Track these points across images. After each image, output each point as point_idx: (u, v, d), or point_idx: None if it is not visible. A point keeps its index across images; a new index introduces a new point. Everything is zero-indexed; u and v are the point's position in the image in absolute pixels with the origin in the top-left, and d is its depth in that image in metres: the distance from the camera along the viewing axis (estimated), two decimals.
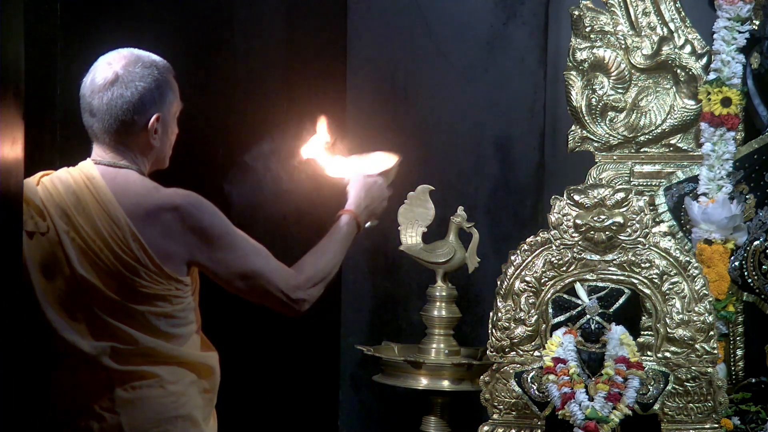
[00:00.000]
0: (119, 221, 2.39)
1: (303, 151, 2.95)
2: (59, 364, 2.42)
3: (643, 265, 3.40)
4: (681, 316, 3.38)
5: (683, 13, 4.07)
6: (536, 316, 3.43)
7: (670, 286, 3.39)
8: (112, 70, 2.47)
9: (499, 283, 3.47)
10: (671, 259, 3.40)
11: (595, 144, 4.06)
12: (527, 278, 3.44)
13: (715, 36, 3.92)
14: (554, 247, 3.44)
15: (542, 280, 3.44)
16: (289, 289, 2.52)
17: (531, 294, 3.44)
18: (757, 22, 3.93)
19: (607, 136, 4.05)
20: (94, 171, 2.47)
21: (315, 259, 2.62)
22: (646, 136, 4.05)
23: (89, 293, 2.40)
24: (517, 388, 3.39)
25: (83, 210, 2.41)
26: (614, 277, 3.42)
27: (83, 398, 2.42)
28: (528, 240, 3.46)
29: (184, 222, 2.41)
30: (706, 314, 3.38)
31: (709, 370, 3.39)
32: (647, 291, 3.40)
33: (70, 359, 2.41)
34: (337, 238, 2.71)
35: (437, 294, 3.96)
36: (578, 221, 3.40)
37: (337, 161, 2.96)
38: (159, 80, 2.49)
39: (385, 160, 2.99)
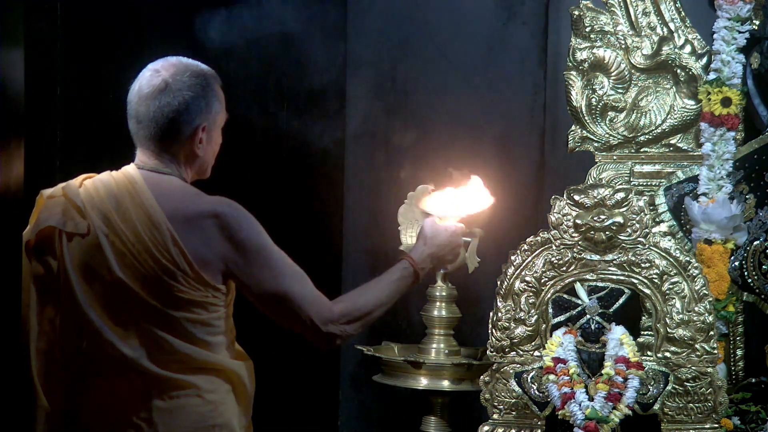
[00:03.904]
0: (160, 226, 2.38)
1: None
2: (98, 369, 2.41)
3: (643, 265, 3.40)
4: (681, 316, 3.38)
5: (683, 13, 4.07)
6: (536, 316, 3.43)
7: (670, 286, 3.39)
8: (161, 78, 2.46)
9: (499, 283, 3.47)
10: (671, 259, 3.40)
11: (595, 144, 4.06)
12: (527, 278, 3.44)
13: (715, 36, 3.92)
14: (554, 247, 3.44)
15: (542, 280, 3.44)
16: (320, 320, 2.49)
17: (531, 294, 3.44)
18: (757, 22, 3.93)
19: (607, 136, 4.05)
20: (137, 175, 2.47)
21: (357, 296, 2.58)
22: (646, 136, 4.05)
23: (127, 297, 2.39)
24: (517, 388, 3.39)
25: (123, 214, 2.41)
26: (614, 277, 3.41)
27: (121, 408, 2.41)
28: (528, 240, 3.46)
29: (223, 231, 2.41)
30: (706, 314, 3.38)
31: (709, 370, 3.39)
32: (647, 291, 3.40)
33: (109, 363, 2.39)
34: (389, 280, 2.64)
35: (437, 294, 3.96)
36: (578, 221, 3.40)
37: (435, 198, 2.94)
38: (206, 90, 2.50)
39: (478, 202, 2.93)
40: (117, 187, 2.45)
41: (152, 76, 2.48)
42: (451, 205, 2.94)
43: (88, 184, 2.49)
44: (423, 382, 3.84)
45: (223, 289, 2.45)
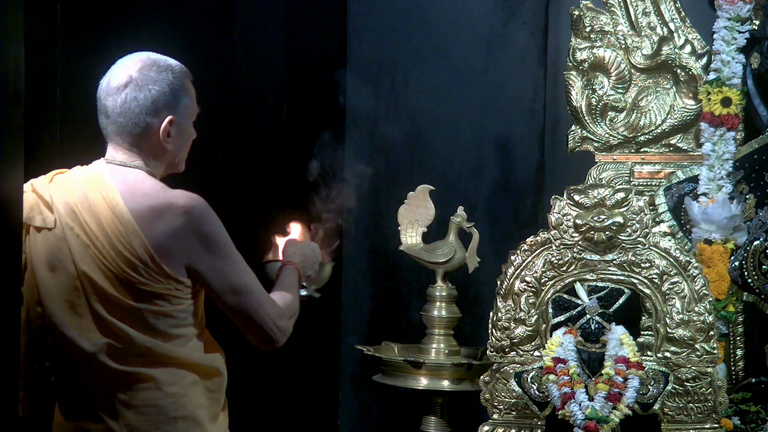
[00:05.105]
0: (123, 218, 2.41)
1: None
2: (62, 365, 2.43)
3: (643, 265, 3.40)
4: (681, 316, 3.38)
5: (683, 13, 4.07)
6: (536, 316, 3.43)
7: (670, 286, 3.39)
8: (127, 73, 2.49)
9: (499, 283, 3.47)
10: (671, 259, 3.40)
11: (595, 144, 4.06)
12: (527, 278, 3.44)
13: (715, 36, 3.92)
14: (554, 247, 3.44)
15: (542, 280, 3.44)
16: (276, 315, 2.56)
17: (531, 294, 3.44)
18: (757, 22, 3.93)
19: (607, 136, 4.05)
20: (105, 170, 2.51)
21: (285, 295, 2.66)
22: (646, 136, 4.05)
23: (90, 290, 2.41)
24: (517, 388, 3.39)
25: (90, 207, 2.44)
26: (614, 277, 3.42)
27: (83, 400, 2.43)
28: (528, 240, 3.46)
29: (188, 224, 2.43)
30: (706, 314, 3.38)
31: (709, 370, 3.39)
32: (647, 291, 3.40)
33: (71, 359, 2.42)
34: (291, 282, 2.73)
35: (437, 294, 3.97)
36: (578, 221, 3.40)
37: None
38: (173, 84, 2.51)
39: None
40: (84, 181, 2.49)
41: (119, 71, 2.51)
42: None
43: (59, 179, 2.53)
44: (423, 382, 3.84)
45: (187, 282, 2.47)
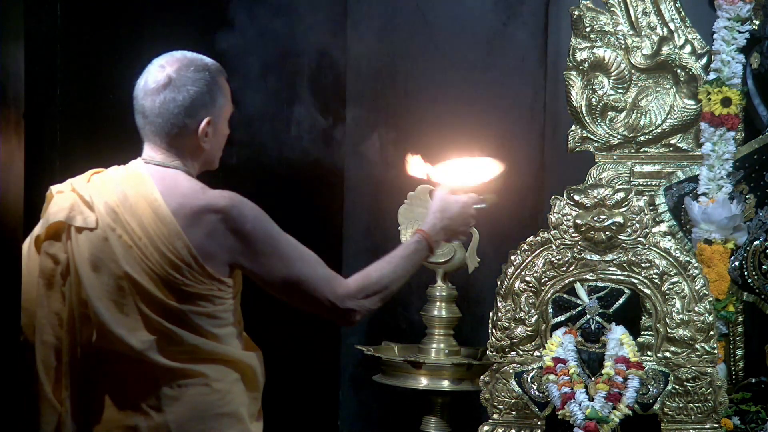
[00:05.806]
0: (165, 220, 2.41)
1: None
2: (107, 361, 2.43)
3: (643, 265, 3.40)
4: (681, 316, 3.38)
5: (683, 13, 4.07)
6: (536, 316, 3.43)
7: (670, 286, 3.39)
8: (165, 74, 2.49)
9: (499, 283, 3.47)
10: (671, 259, 3.40)
11: (595, 144, 4.06)
12: (527, 278, 3.44)
13: (715, 36, 3.92)
14: (554, 247, 3.44)
15: (542, 280, 3.44)
16: (337, 298, 2.52)
17: (531, 294, 3.44)
18: (757, 22, 3.93)
19: (607, 136, 4.05)
20: (144, 170, 2.50)
21: (372, 271, 2.61)
22: (646, 136, 4.05)
23: (134, 290, 2.42)
24: (517, 388, 3.39)
25: (131, 208, 2.44)
26: (614, 277, 3.42)
27: (130, 396, 2.44)
28: (528, 240, 3.47)
29: (227, 224, 2.43)
30: (706, 314, 3.38)
31: (709, 370, 3.39)
32: (647, 291, 3.40)
33: (117, 356, 2.42)
34: (403, 255, 2.68)
35: (437, 294, 3.96)
36: (578, 221, 3.40)
37: (441, 166, 2.91)
38: (210, 84, 2.52)
39: (487, 170, 2.88)
40: (124, 181, 2.49)
41: (157, 71, 2.50)
42: (460, 174, 2.90)
43: (96, 178, 2.53)
44: (423, 382, 3.84)
45: (229, 282, 2.47)
